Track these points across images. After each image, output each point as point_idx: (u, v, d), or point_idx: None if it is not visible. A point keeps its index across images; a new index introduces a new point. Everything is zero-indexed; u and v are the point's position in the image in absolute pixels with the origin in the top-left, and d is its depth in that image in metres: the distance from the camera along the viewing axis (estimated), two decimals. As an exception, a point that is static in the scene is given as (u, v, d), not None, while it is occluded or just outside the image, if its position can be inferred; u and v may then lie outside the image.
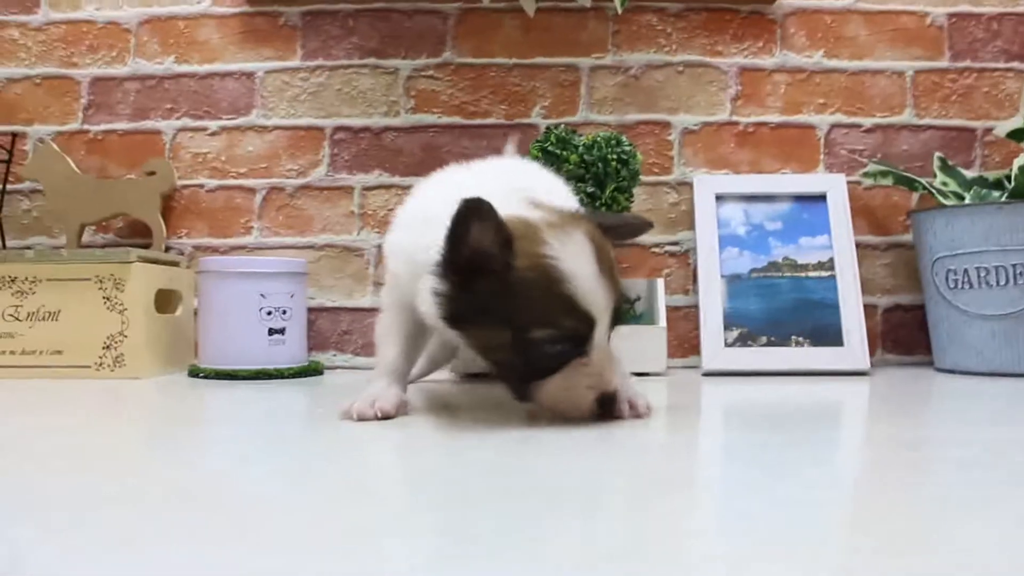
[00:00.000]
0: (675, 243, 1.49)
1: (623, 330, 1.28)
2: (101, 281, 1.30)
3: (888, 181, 1.43)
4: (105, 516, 0.46)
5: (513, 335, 0.73)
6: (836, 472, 0.62)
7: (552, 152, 1.28)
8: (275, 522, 0.45)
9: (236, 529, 0.43)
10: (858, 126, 1.51)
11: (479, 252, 0.71)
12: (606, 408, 0.76)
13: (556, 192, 0.88)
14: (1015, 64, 1.51)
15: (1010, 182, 1.33)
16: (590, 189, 1.25)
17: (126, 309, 1.30)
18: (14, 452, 0.68)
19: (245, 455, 0.68)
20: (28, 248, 1.53)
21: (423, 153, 1.49)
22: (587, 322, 0.73)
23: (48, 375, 1.29)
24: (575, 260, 0.72)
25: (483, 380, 1.26)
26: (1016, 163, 1.29)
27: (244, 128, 1.52)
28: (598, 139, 1.28)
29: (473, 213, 0.70)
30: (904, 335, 1.51)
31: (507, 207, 0.73)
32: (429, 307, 0.76)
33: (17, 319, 1.31)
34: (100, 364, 1.30)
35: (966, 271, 1.31)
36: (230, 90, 1.52)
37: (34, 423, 0.87)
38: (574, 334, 0.73)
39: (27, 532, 0.43)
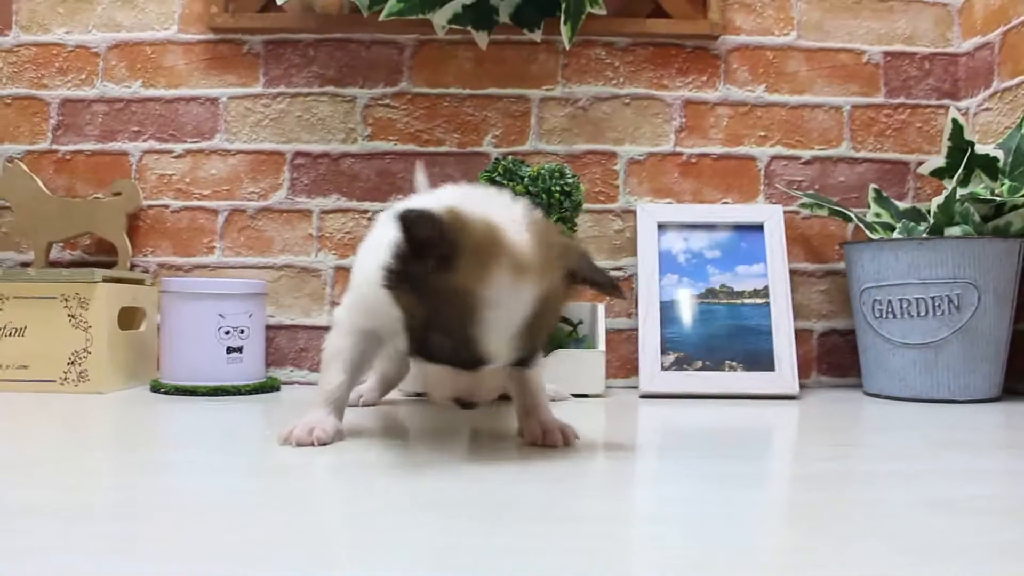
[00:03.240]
0: (619, 268, 1.56)
1: (563, 353, 1.35)
2: (67, 300, 1.36)
3: (823, 212, 1.50)
4: (40, 524, 0.52)
5: (423, 319, 0.76)
6: (761, 491, 0.70)
7: (499, 182, 1.35)
8: (208, 536, 0.51)
9: (170, 542, 0.49)
10: (797, 158, 1.58)
11: (431, 239, 0.73)
12: (462, 406, 0.78)
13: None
14: (946, 101, 1.59)
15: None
16: (534, 219, 1.32)
17: (90, 327, 1.35)
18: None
19: (190, 471, 0.74)
20: (-3, 263, 1.59)
21: (379, 179, 1.56)
22: (476, 362, 0.75)
23: (14, 388, 1.34)
24: (503, 303, 0.73)
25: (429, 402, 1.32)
26: (935, 202, 1.36)
27: (208, 151, 1.58)
28: (543, 171, 1.34)
29: (421, 221, 0.72)
30: (838, 358, 1.58)
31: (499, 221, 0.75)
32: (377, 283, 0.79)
33: (-16, 334, 1.37)
34: (65, 379, 1.35)
35: (890, 301, 1.38)
36: (195, 114, 1.58)
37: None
38: (462, 362, 0.76)
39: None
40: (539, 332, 0.77)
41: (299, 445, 0.87)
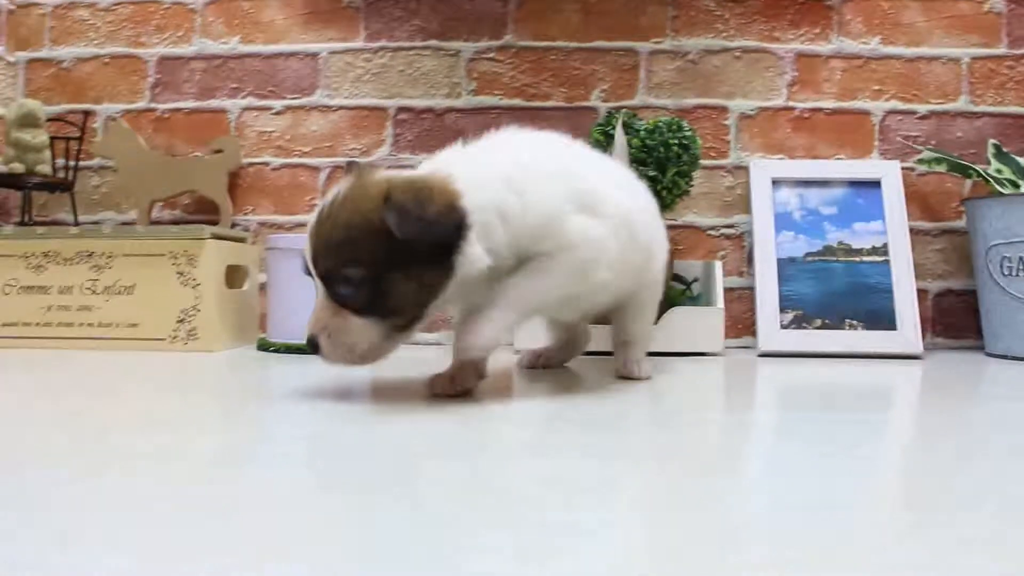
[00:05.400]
0: (731, 226, 1.52)
1: (680, 311, 1.32)
2: (175, 257, 1.34)
3: (942, 168, 1.45)
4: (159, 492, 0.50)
5: None
6: (885, 455, 0.66)
7: (614, 136, 1.31)
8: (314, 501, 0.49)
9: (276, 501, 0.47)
10: (913, 112, 1.53)
11: None
12: (311, 347, 0.82)
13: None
14: (1073, 52, 1.53)
15: (1066, 171, 1.35)
16: (652, 173, 1.28)
17: (199, 284, 1.34)
18: (91, 417, 0.73)
19: (307, 430, 0.72)
20: (97, 223, 1.58)
21: (484, 134, 1.52)
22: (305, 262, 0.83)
23: (124, 347, 1.33)
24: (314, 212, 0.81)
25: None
26: (1075, 153, 1.30)
27: (308, 108, 1.56)
28: (659, 124, 1.30)
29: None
30: (954, 320, 1.53)
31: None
32: None
33: (94, 292, 1.35)
34: (174, 337, 1.34)
35: (1021, 259, 1.33)
36: (294, 70, 1.56)
37: (108, 391, 0.91)
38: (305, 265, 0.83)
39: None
40: (325, 240, 0.79)
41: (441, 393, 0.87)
